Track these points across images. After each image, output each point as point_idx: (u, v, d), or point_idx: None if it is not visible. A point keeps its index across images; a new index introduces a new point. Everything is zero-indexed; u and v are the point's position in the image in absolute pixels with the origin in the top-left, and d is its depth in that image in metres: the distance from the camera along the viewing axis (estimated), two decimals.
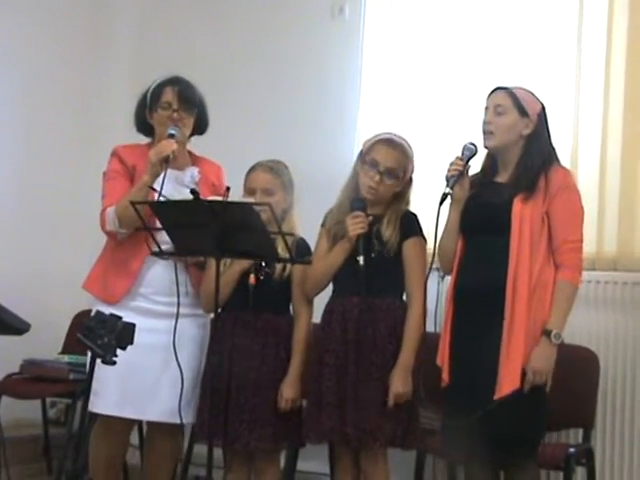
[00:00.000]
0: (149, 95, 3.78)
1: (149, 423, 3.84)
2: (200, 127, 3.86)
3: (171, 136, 3.65)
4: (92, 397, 3.14)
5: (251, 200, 3.59)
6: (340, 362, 3.52)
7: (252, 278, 3.65)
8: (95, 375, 3.03)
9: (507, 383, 3.26)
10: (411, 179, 3.67)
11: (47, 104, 5.30)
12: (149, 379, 3.64)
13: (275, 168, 3.76)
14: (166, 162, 3.58)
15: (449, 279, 3.61)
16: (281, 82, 5.15)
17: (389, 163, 3.57)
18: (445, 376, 3.43)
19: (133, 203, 3.42)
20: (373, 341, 3.51)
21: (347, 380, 3.49)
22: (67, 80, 5.41)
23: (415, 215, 3.66)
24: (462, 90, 4.61)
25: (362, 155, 3.64)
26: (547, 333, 3.28)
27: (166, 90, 3.74)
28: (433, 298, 3.67)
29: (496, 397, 3.26)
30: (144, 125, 3.83)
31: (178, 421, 3.67)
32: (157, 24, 5.57)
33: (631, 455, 4.16)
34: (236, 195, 3.65)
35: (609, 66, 4.33)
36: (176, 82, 3.77)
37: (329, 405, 3.50)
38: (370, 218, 3.56)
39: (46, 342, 4.85)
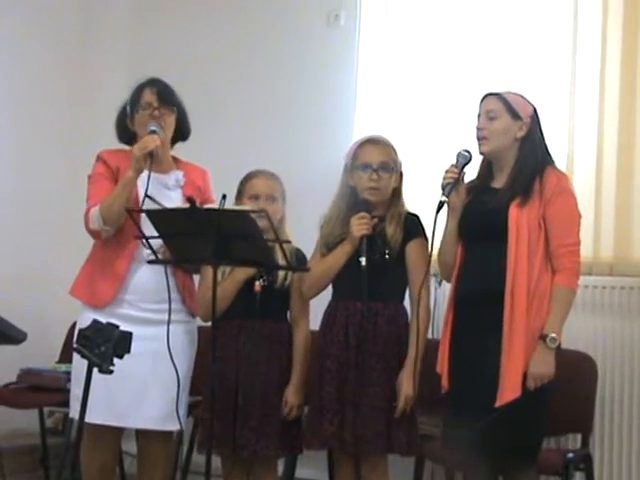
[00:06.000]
0: (129, 100, 3.78)
1: (140, 431, 3.82)
2: (182, 133, 3.84)
3: (152, 132, 3.64)
4: (78, 406, 3.10)
5: (247, 207, 3.58)
6: (341, 367, 3.52)
7: (257, 285, 3.65)
8: (79, 384, 2.99)
9: (508, 391, 3.25)
10: (401, 174, 3.68)
11: (40, 108, 5.28)
12: (135, 387, 3.60)
13: (275, 176, 3.80)
14: (150, 157, 3.57)
15: (448, 285, 3.61)
16: (277, 89, 5.16)
17: (380, 158, 3.61)
18: (445, 382, 3.43)
19: (129, 211, 3.42)
20: (374, 347, 3.51)
21: (347, 386, 3.49)
22: (60, 82, 5.39)
23: (417, 217, 3.67)
24: (458, 96, 4.61)
25: (349, 167, 3.66)
26: (543, 337, 3.28)
27: (145, 91, 3.75)
28: (431, 304, 3.67)
29: (498, 404, 3.25)
30: (125, 134, 3.82)
31: (166, 428, 3.67)
32: (152, 30, 5.57)
33: (629, 460, 4.17)
34: (230, 203, 3.65)
35: (604, 71, 4.33)
36: (154, 83, 3.78)
37: (330, 411, 3.50)
38: (375, 220, 3.57)
39: (43, 351, 4.84)
